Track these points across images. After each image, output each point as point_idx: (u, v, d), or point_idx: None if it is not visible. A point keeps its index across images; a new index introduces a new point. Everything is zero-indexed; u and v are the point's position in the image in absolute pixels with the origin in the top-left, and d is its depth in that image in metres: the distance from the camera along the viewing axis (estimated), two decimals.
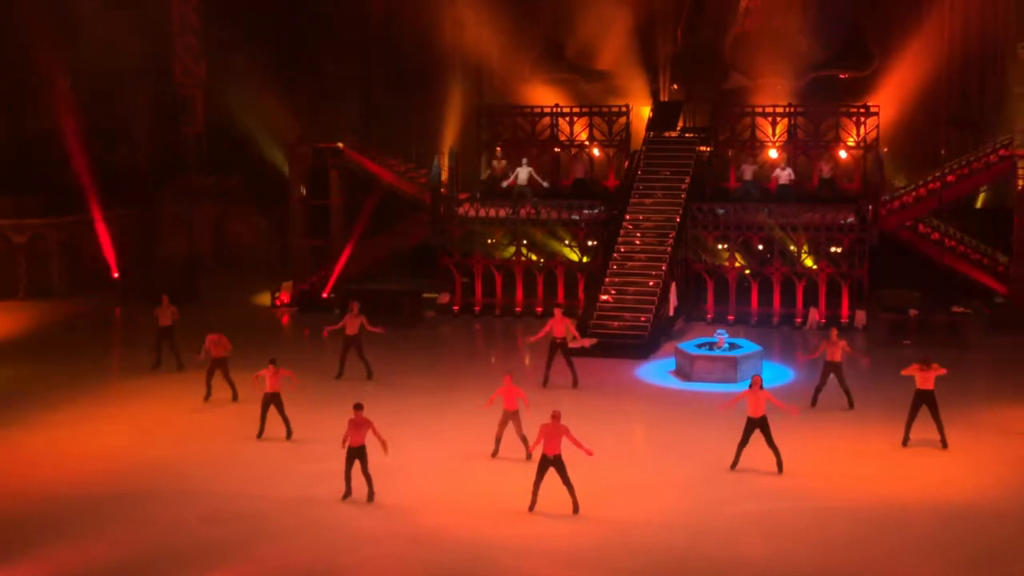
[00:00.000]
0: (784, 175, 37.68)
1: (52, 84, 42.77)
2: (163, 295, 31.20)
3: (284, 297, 40.02)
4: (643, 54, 41.76)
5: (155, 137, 46.97)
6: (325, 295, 39.25)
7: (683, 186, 37.22)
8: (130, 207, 44.37)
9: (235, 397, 27.62)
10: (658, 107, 40.34)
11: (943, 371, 23.96)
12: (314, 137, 40.93)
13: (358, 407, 21.15)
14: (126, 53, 43.56)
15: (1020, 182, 35.21)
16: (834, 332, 27.13)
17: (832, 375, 26.71)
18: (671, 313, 35.04)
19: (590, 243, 37.68)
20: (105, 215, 42.26)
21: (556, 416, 20.39)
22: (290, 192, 41.33)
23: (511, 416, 23.16)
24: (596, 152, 41.41)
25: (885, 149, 38.23)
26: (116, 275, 41.76)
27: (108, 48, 42.60)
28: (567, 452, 20.40)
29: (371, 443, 21.03)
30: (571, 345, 29.36)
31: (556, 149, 41.62)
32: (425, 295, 38.48)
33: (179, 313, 31.02)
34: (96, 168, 42.12)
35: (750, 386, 22.41)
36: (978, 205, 39.46)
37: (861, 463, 23.40)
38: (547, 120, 41.51)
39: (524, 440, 22.99)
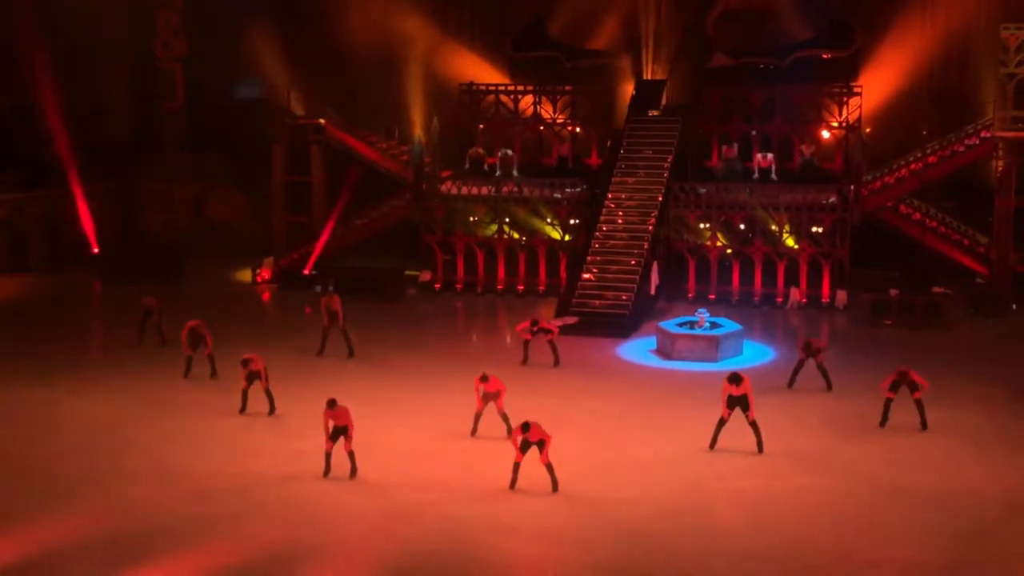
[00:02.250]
0: (764, 161, 37.76)
1: (31, 58, 42.44)
2: (143, 300, 30.92)
3: (265, 274, 39.95)
4: (626, 33, 41.66)
5: (135, 113, 46.70)
6: (306, 272, 39.17)
7: (665, 165, 37.24)
8: (110, 183, 44.15)
9: (214, 374, 27.55)
10: (641, 86, 40.29)
11: (924, 384, 23.83)
12: (295, 113, 40.75)
13: (331, 404, 21.09)
14: (106, 28, 43.28)
15: (1001, 163, 35.29)
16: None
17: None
18: (652, 292, 35.08)
19: (572, 221, 37.68)
20: (84, 191, 42.02)
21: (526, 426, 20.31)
22: (271, 169, 41.18)
23: (492, 396, 23.16)
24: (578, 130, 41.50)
25: (867, 130, 38.29)
26: (96, 251, 41.57)
27: (88, 23, 42.32)
28: (547, 428, 20.41)
29: (354, 418, 21.04)
30: (555, 323, 29.38)
31: (540, 127, 41.62)
32: (407, 273, 38.46)
33: (159, 299, 30.90)
34: (75, 143, 41.85)
35: (729, 381, 22.38)
36: None
37: (840, 443, 23.47)
38: (530, 98, 41.47)
39: (505, 417, 23.01)
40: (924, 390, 23.66)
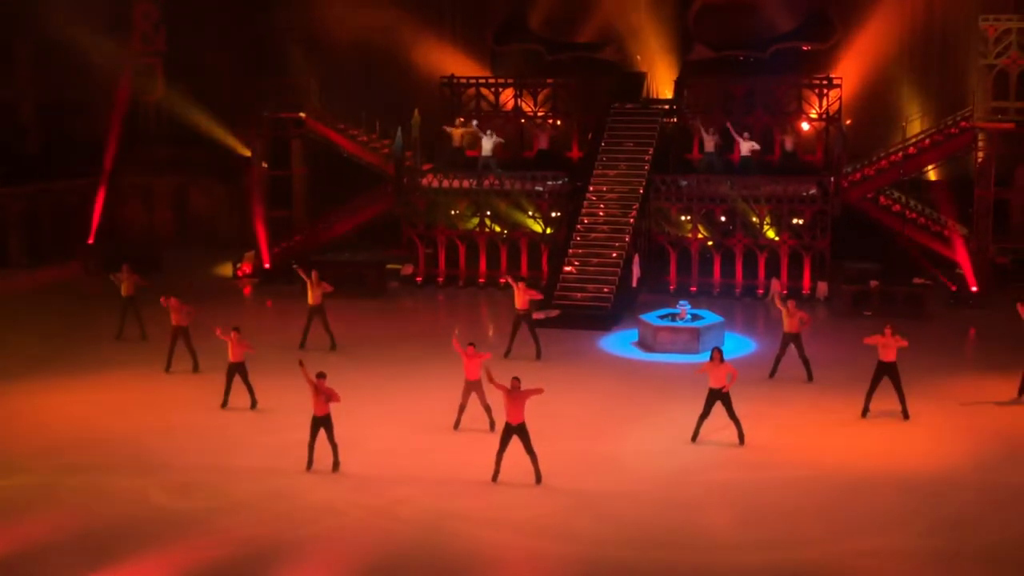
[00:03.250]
0: (747, 146, 37.65)
1: (10, 52, 42.19)
2: (123, 264, 31.02)
3: (246, 268, 39.83)
4: (607, 25, 41.64)
5: (114, 107, 46.41)
6: (289, 266, 39.02)
7: (646, 157, 37.26)
8: (89, 177, 43.94)
9: (196, 367, 27.48)
10: (622, 78, 40.28)
11: (904, 343, 24.08)
12: (276, 107, 40.59)
13: (321, 376, 21.09)
14: (85, 21, 43.01)
15: (980, 154, 35.42)
16: (791, 303, 27.18)
17: (791, 345, 26.83)
18: (634, 284, 35.10)
19: (554, 214, 37.67)
20: (64, 185, 41.83)
21: (515, 383, 20.39)
22: (252, 163, 41.03)
23: (474, 386, 23.14)
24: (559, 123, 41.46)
25: (848, 121, 38.36)
26: (91, 241, 41.58)
27: (67, 16, 42.05)
28: (530, 420, 20.44)
29: (336, 412, 21.01)
30: (535, 317, 29.37)
31: (521, 120, 41.58)
32: (388, 266, 38.37)
33: (142, 281, 30.82)
34: (55, 137, 41.63)
35: (711, 358, 22.48)
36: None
37: (823, 434, 23.56)
38: (511, 91, 41.43)
39: (488, 410, 23.02)
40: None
